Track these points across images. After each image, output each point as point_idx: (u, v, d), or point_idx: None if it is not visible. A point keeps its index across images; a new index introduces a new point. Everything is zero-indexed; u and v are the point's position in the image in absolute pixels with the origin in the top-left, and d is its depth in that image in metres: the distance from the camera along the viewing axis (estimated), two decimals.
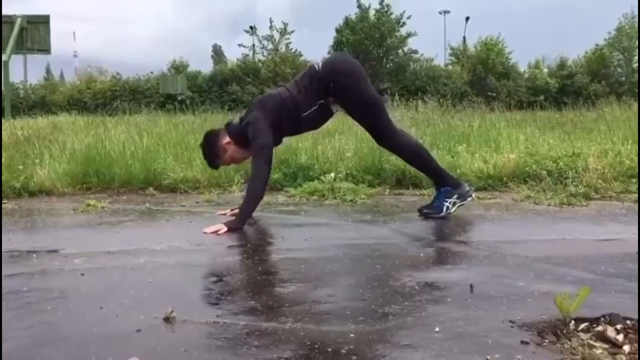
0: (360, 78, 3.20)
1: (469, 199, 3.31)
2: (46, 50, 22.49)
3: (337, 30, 31.25)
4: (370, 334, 1.48)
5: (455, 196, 3.23)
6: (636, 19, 30.83)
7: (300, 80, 3.23)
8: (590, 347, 1.39)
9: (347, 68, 3.22)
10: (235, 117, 3.30)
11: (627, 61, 32.38)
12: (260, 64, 30.93)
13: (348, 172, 4.52)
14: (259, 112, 3.16)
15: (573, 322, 1.51)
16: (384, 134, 3.27)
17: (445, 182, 3.27)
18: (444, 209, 3.20)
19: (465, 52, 32.57)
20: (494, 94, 19.92)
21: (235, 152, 3.26)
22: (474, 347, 1.39)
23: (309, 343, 1.42)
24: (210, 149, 3.29)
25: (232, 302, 1.78)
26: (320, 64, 3.23)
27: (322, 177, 4.30)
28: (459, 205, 3.25)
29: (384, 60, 30.64)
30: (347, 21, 30.98)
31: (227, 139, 3.22)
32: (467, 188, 3.32)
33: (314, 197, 4.04)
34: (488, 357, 1.33)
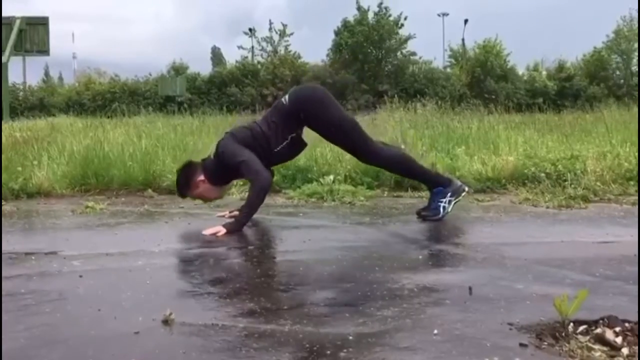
0: (329, 104, 3.23)
1: (463, 194, 3.32)
2: (45, 51, 22.49)
3: (336, 33, 31.28)
4: (369, 336, 1.48)
5: (449, 194, 3.24)
6: (634, 22, 30.90)
7: (270, 116, 3.25)
8: (589, 349, 1.39)
9: (314, 96, 3.26)
10: (211, 153, 3.30)
11: (625, 64, 32.44)
12: (259, 66, 30.94)
13: (347, 174, 4.52)
14: (228, 139, 3.18)
15: (572, 324, 1.51)
16: (365, 153, 3.30)
17: (436, 183, 3.28)
18: (441, 209, 3.20)
19: (464, 55, 32.61)
20: (493, 97, 19.95)
21: (206, 191, 3.26)
22: (472, 349, 1.39)
23: (307, 345, 1.42)
24: (184, 181, 3.27)
25: (231, 304, 1.78)
26: (286, 98, 3.26)
27: (320, 179, 4.30)
28: (455, 202, 3.25)
29: (383, 63, 30.67)
30: (345, 23, 30.99)
31: (201, 176, 3.21)
32: (459, 183, 3.33)
33: (313, 200, 4.04)
34: (486, 359, 1.32)
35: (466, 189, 3.37)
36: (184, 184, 3.27)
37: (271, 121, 3.20)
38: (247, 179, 3.08)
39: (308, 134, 3.35)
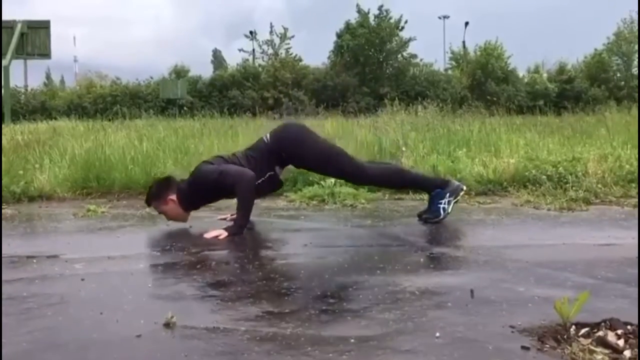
0: (308, 140, 3.26)
1: (461, 193, 3.33)
2: (46, 55, 22.53)
3: (338, 35, 31.29)
4: (371, 339, 1.48)
5: (448, 195, 3.24)
6: (635, 24, 30.89)
7: (250, 151, 3.27)
8: (591, 352, 1.38)
9: (293, 135, 3.28)
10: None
11: (626, 66, 32.42)
12: (260, 69, 30.96)
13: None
14: (204, 164, 3.20)
15: (574, 327, 1.51)
16: (355, 177, 3.36)
17: (433, 186, 3.29)
18: (441, 211, 3.21)
19: (465, 57, 32.62)
20: (494, 99, 19.95)
21: (171, 211, 3.21)
22: (474, 352, 1.39)
23: (309, 348, 1.42)
24: (156, 192, 3.24)
25: (233, 308, 1.78)
26: (268, 136, 3.28)
27: (322, 182, 4.30)
28: (454, 203, 3.26)
29: (384, 65, 30.68)
30: (347, 26, 31.01)
31: (173, 196, 3.17)
32: (457, 183, 3.34)
33: (314, 202, 4.04)
34: None
35: (464, 187, 3.38)
36: (154, 195, 3.24)
37: (251, 156, 3.21)
38: (231, 188, 3.05)
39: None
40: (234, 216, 3.23)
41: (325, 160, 3.25)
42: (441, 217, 3.20)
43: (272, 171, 3.20)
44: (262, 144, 3.26)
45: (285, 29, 32.68)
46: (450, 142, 5.91)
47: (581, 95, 28.67)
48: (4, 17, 17.19)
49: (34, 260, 2.40)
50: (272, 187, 3.32)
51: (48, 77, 41.34)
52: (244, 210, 3.00)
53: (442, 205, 3.21)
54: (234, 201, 3.99)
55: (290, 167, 3.53)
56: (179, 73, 31.58)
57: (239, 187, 3.00)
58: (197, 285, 2.06)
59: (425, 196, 4.12)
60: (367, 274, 2.16)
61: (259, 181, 3.13)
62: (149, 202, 3.30)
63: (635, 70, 31.33)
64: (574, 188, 4.05)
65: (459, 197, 3.30)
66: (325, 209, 3.83)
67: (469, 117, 9.28)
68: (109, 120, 12.23)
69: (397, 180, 3.44)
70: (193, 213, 3.50)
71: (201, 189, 3.13)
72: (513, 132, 6.89)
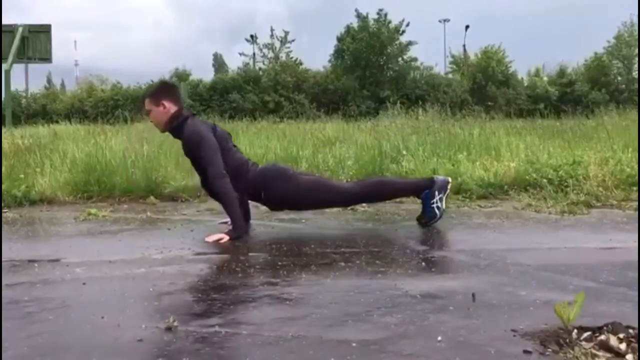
0: (285, 178, 3.22)
1: (449, 186, 3.33)
2: (47, 59, 22.56)
3: (339, 39, 31.34)
4: (373, 343, 1.48)
5: (437, 193, 3.24)
6: (635, 27, 30.91)
7: (250, 165, 3.27)
8: (593, 356, 1.38)
9: (270, 175, 3.24)
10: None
11: (626, 69, 32.43)
12: (261, 73, 30.99)
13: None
14: (202, 128, 3.19)
15: (576, 331, 1.51)
16: (341, 201, 3.38)
17: (421, 189, 3.28)
18: (436, 210, 3.21)
19: (466, 61, 32.64)
20: (494, 102, 19.96)
21: (159, 115, 3.21)
22: (476, 356, 1.38)
23: (311, 352, 1.42)
24: (157, 91, 3.28)
25: (234, 312, 1.78)
26: (257, 169, 3.28)
27: None
28: (445, 197, 3.27)
29: (385, 69, 30.70)
30: (348, 29, 31.06)
31: (171, 106, 3.18)
32: (441, 178, 3.34)
33: None
34: None
35: (449, 179, 3.38)
36: (154, 92, 3.26)
37: (245, 167, 3.23)
38: (198, 163, 3.10)
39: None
40: None
41: (303, 195, 3.21)
42: (438, 216, 3.20)
43: (250, 196, 3.24)
44: (251, 169, 3.24)
45: (286, 33, 32.74)
46: (451, 145, 5.90)
47: (581, 98, 28.67)
48: (4, 22, 17.23)
49: (35, 264, 2.40)
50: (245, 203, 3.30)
51: (49, 80, 41.43)
52: (230, 207, 3.03)
53: (435, 205, 3.22)
54: None
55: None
56: (180, 77, 31.61)
57: (215, 184, 3.05)
58: (198, 289, 2.06)
59: None
60: (369, 278, 2.16)
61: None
62: (143, 97, 3.32)
63: (636, 74, 31.33)
64: (575, 191, 4.05)
65: (448, 191, 3.31)
66: (326, 213, 3.82)
67: (469, 121, 9.27)
68: (110, 124, 12.24)
69: (383, 194, 3.43)
70: (193, 217, 3.50)
71: (188, 131, 3.13)
72: (513, 136, 6.89)
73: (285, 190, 3.19)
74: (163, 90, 3.29)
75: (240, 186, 3.12)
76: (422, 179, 3.53)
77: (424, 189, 3.27)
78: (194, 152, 3.12)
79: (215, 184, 3.06)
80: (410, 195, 3.50)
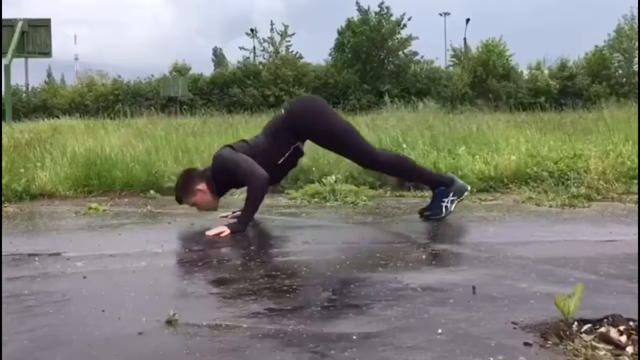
0: (325, 114, 3.25)
1: (465, 194, 3.32)
2: (47, 53, 22.56)
3: (339, 32, 31.27)
4: (373, 336, 1.48)
5: (452, 194, 3.23)
6: (635, 20, 30.81)
7: (270, 129, 3.28)
8: (594, 348, 1.38)
9: (310, 108, 3.28)
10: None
11: (627, 62, 32.35)
12: (261, 67, 30.94)
13: (349, 174, 4.52)
14: (224, 148, 3.22)
15: (576, 323, 1.51)
16: (365, 159, 3.31)
17: (439, 183, 3.28)
18: (443, 209, 3.20)
19: (466, 54, 32.57)
20: (495, 96, 19.94)
21: (204, 200, 3.22)
22: (476, 348, 1.38)
23: (311, 345, 1.42)
24: (184, 187, 3.24)
25: (235, 305, 1.78)
26: (284, 110, 3.31)
27: (323, 180, 4.30)
28: (457, 202, 3.25)
29: (385, 62, 30.65)
30: (349, 23, 30.99)
31: (202, 186, 3.18)
32: (461, 183, 3.33)
33: (315, 200, 4.04)
34: (491, 358, 1.32)
35: (468, 188, 3.37)
36: (182, 190, 3.24)
37: (270, 134, 3.23)
38: (244, 182, 3.07)
39: None
40: (236, 214, 3.24)
41: (337, 135, 3.21)
42: (443, 215, 3.19)
43: (296, 143, 3.21)
44: (280, 119, 3.27)
45: (286, 27, 32.65)
46: (451, 138, 5.90)
47: (582, 92, 28.63)
48: (5, 17, 17.19)
49: (36, 258, 2.40)
50: (298, 157, 3.30)
51: (49, 75, 41.36)
52: (251, 208, 3.00)
53: (444, 204, 3.21)
54: (235, 200, 4.00)
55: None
56: (180, 71, 31.58)
57: (251, 186, 3.01)
58: (199, 283, 2.06)
59: (427, 193, 4.13)
60: (369, 271, 2.16)
61: (283, 158, 3.17)
62: (179, 200, 3.30)
63: (636, 67, 31.27)
64: (575, 185, 4.05)
65: (462, 198, 3.30)
66: (326, 207, 3.83)
67: (470, 114, 9.26)
68: (111, 118, 12.24)
69: (405, 171, 3.41)
70: (194, 211, 3.50)
71: (224, 175, 3.13)
72: (514, 129, 6.89)
73: (315, 125, 3.19)
74: (187, 183, 3.24)
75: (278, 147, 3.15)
76: (443, 174, 3.51)
77: (440, 184, 3.26)
78: (236, 175, 3.09)
79: (256, 184, 3.01)
80: (426, 184, 3.45)
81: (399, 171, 3.47)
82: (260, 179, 2.99)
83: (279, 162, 3.18)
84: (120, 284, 2.03)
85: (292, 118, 3.21)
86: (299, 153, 3.27)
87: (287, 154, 3.18)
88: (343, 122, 3.32)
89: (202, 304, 1.82)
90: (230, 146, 3.23)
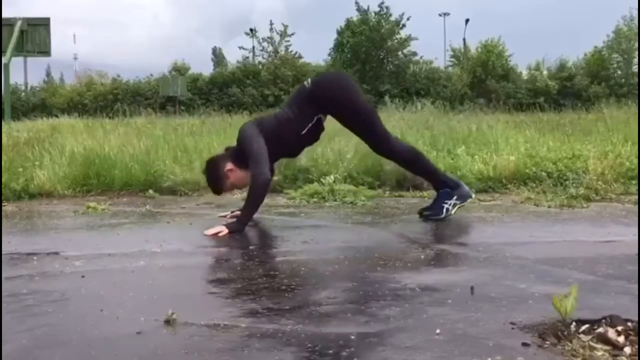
0: (350, 89, 3.26)
1: (468, 200, 3.31)
2: (46, 52, 22.52)
3: (338, 32, 31.28)
4: (371, 336, 1.48)
5: (455, 197, 3.23)
6: (635, 21, 30.85)
7: (294, 100, 3.29)
8: (592, 349, 1.38)
9: (336, 82, 3.30)
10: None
11: (626, 63, 32.39)
12: (260, 67, 30.94)
13: (348, 174, 4.52)
14: (249, 124, 3.23)
15: (574, 323, 1.51)
16: (381, 144, 3.29)
17: (444, 184, 3.27)
18: (444, 210, 3.20)
19: (466, 54, 32.59)
20: (494, 96, 19.95)
21: (237, 179, 3.22)
22: (474, 349, 1.38)
23: (310, 345, 1.42)
24: (213, 176, 3.25)
25: (233, 305, 1.78)
26: (309, 81, 3.30)
27: (322, 179, 4.30)
28: (459, 207, 3.25)
29: (384, 62, 30.66)
30: (348, 23, 31.00)
31: (229, 165, 3.18)
32: (467, 189, 3.33)
33: (314, 200, 4.04)
34: (489, 359, 1.32)
35: (472, 195, 3.37)
36: (214, 180, 3.25)
37: (294, 104, 3.24)
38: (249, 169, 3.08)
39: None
40: (235, 213, 3.24)
41: (358, 113, 3.22)
42: (442, 216, 3.19)
43: (319, 114, 3.21)
44: (303, 90, 3.27)
45: (285, 26, 32.65)
46: (450, 139, 5.90)
47: (581, 92, 28.66)
48: (4, 15, 17.18)
49: (34, 258, 2.40)
50: (319, 130, 3.29)
51: (48, 74, 41.36)
52: (250, 209, 3.00)
53: (446, 206, 3.20)
54: (234, 199, 4.00)
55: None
56: (180, 70, 31.57)
57: (253, 184, 3.01)
58: (197, 282, 2.06)
59: (426, 194, 4.14)
60: (368, 271, 2.16)
61: (306, 129, 3.17)
62: (217, 191, 3.31)
63: (635, 68, 31.31)
64: (574, 185, 4.05)
65: (464, 203, 3.29)
66: (325, 207, 3.82)
67: (469, 114, 9.27)
68: (110, 118, 12.23)
69: (413, 163, 3.37)
70: (193, 210, 3.51)
71: (247, 151, 3.12)
72: (513, 129, 6.89)
73: (341, 98, 3.19)
74: (213, 171, 3.25)
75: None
76: (451, 177, 3.48)
77: (446, 186, 3.26)
78: (245, 149, 3.10)
79: (257, 182, 3.01)
80: (432, 182, 3.43)
81: (410, 163, 3.41)
82: (262, 178, 2.99)
83: (302, 132, 3.19)
84: (119, 284, 2.03)
85: (318, 90, 3.20)
86: (321, 126, 3.26)
87: (310, 125, 3.18)
88: (366, 102, 3.34)
89: (201, 303, 1.82)
90: (256, 120, 3.29)
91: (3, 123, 10.12)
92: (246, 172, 3.16)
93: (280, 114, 3.27)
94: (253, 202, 3.00)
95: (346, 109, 3.22)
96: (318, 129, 3.26)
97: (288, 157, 3.66)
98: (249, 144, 3.08)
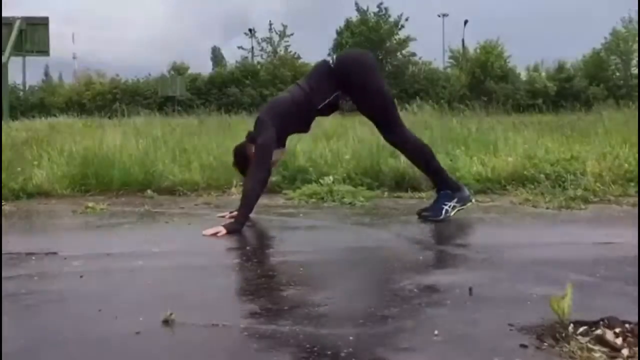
0: (373, 70, 3.31)
1: (468, 204, 3.31)
2: (45, 51, 22.51)
3: (338, 33, 31.31)
4: (370, 337, 1.48)
5: (455, 200, 3.23)
6: (633, 23, 30.90)
7: (314, 76, 3.29)
8: (589, 350, 1.39)
9: (360, 61, 3.32)
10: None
11: (624, 65, 32.45)
12: (259, 67, 30.94)
13: (346, 174, 4.52)
14: (264, 114, 3.24)
15: (572, 325, 1.51)
16: (393, 131, 3.29)
17: (445, 185, 3.27)
18: (443, 212, 3.20)
19: (464, 56, 32.63)
20: (493, 97, 19.97)
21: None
22: (473, 350, 1.39)
23: (308, 346, 1.42)
24: (242, 163, 3.30)
25: (231, 305, 1.78)
26: (334, 58, 3.34)
27: (320, 180, 4.30)
28: (458, 210, 3.25)
29: (383, 63, 30.68)
30: (347, 23, 31.03)
31: (253, 149, 3.20)
32: (467, 192, 3.33)
33: (313, 200, 4.04)
34: None
35: (473, 200, 3.37)
36: (242, 162, 3.30)
37: (314, 80, 3.24)
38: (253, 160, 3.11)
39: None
40: (233, 214, 3.24)
41: (377, 94, 3.24)
42: (441, 217, 3.19)
43: (339, 91, 3.20)
44: (325, 67, 3.28)
45: (284, 27, 32.66)
46: (449, 140, 5.89)
47: (580, 94, 28.70)
48: (3, 15, 17.15)
49: (33, 257, 2.40)
50: (334, 108, 3.31)
51: (47, 74, 41.30)
52: (246, 207, 3.01)
53: (446, 207, 3.20)
54: (232, 199, 4.00)
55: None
56: (178, 70, 31.56)
57: (250, 179, 3.06)
58: (195, 283, 2.06)
59: (424, 195, 4.14)
60: (366, 272, 2.16)
61: (323, 104, 3.19)
62: (243, 172, 3.33)
63: (634, 70, 31.36)
64: (572, 187, 4.05)
65: (464, 207, 3.28)
66: (324, 207, 3.82)
67: (468, 116, 9.27)
68: (108, 117, 12.22)
69: (423, 159, 3.36)
70: (192, 210, 3.50)
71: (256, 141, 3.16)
72: (511, 131, 6.89)
73: (364, 76, 3.20)
74: (240, 156, 3.32)
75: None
76: (454, 180, 3.46)
77: (448, 187, 3.26)
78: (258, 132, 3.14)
79: (254, 177, 3.06)
80: (435, 181, 3.40)
81: (418, 156, 3.38)
82: (260, 174, 3.03)
83: (319, 107, 3.20)
84: (117, 284, 2.03)
85: (341, 67, 3.21)
86: (338, 103, 3.27)
87: (328, 100, 3.19)
88: (385, 85, 3.38)
89: (199, 303, 1.82)
90: (272, 100, 3.40)
91: (2, 123, 10.10)
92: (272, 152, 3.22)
93: (295, 90, 3.27)
94: (248, 200, 3.02)
95: (367, 89, 3.22)
96: (335, 105, 3.27)
97: (299, 133, 3.64)
98: (258, 129, 3.13)
